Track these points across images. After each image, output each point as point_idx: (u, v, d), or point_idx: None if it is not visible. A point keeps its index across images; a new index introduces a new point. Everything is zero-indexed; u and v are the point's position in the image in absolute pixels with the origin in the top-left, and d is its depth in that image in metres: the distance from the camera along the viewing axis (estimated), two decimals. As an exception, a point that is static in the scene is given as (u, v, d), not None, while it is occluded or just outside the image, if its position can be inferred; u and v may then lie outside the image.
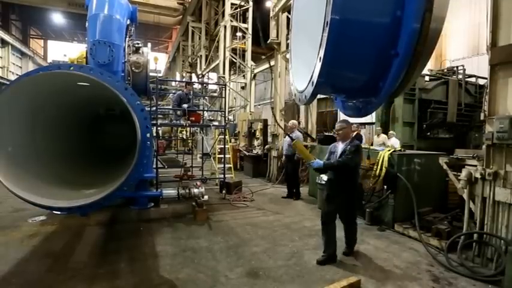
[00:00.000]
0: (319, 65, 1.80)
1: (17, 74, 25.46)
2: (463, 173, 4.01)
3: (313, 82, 1.95)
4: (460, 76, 9.51)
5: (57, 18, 31.86)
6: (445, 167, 4.53)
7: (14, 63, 29.63)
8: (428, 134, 9.07)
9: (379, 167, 5.26)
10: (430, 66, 11.49)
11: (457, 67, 9.75)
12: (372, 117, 9.22)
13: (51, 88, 4.09)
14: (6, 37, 27.73)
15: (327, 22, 1.66)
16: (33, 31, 36.21)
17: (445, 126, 9.30)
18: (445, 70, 10.21)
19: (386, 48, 1.76)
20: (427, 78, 9.30)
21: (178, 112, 7.62)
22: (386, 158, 5.24)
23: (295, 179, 7.56)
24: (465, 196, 4.07)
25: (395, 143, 7.94)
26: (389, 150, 5.43)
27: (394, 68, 1.77)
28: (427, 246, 4.28)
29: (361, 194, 4.33)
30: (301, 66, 2.49)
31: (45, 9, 27.43)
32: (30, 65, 31.04)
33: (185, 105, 7.47)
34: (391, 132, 8.46)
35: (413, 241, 4.64)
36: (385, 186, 5.25)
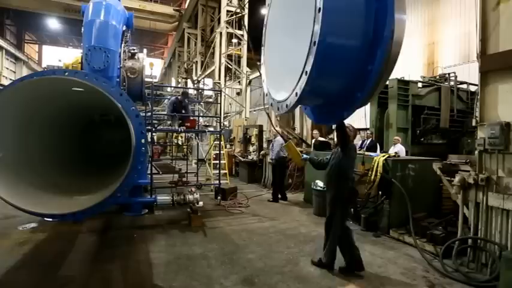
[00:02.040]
0: (304, 78, 2.06)
1: (11, 79, 25.22)
2: (457, 179, 4.05)
3: (297, 93, 2.18)
4: (452, 83, 9.67)
5: (53, 24, 31.80)
6: (438, 172, 4.57)
7: (7, 68, 29.35)
8: (422, 139, 9.17)
9: (373, 172, 5.29)
10: (422, 73, 11.68)
11: (448, 74, 9.91)
12: (366, 123, 9.29)
13: (45, 93, 4.06)
14: (0, 42, 27.52)
15: (315, 42, 1.95)
16: (28, 36, 36.04)
17: (438, 132, 9.42)
18: (438, 77, 10.38)
19: (365, 64, 2.10)
20: (420, 84, 9.43)
21: (169, 122, 7.63)
22: (381, 164, 5.27)
23: (281, 182, 7.94)
24: (459, 201, 4.10)
25: (401, 150, 7.53)
26: (383, 156, 5.46)
27: (370, 81, 2.12)
28: (422, 252, 4.29)
29: (350, 201, 4.07)
30: (277, 78, 2.81)
31: (41, 14, 27.38)
32: (25, 70, 30.78)
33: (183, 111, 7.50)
34: (396, 137, 8.10)
35: (408, 247, 4.65)
36: (380, 192, 5.27)
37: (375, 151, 7.43)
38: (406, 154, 7.79)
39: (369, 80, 2.12)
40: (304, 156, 4.35)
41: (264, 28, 3.22)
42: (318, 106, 2.90)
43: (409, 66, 12.48)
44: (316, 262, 3.90)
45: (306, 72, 2.04)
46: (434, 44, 12.39)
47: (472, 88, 9.69)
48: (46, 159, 4.63)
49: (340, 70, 2.21)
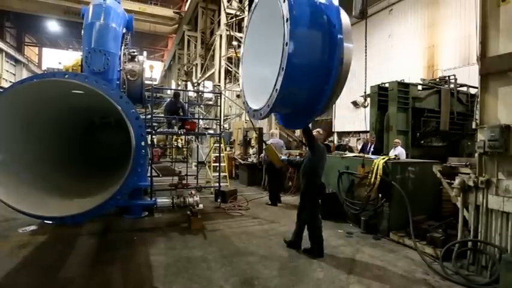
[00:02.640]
0: (275, 94, 2.69)
1: (11, 82, 25.26)
2: (456, 181, 4.05)
3: (269, 105, 2.83)
4: (452, 85, 9.69)
5: (53, 26, 31.89)
6: (438, 175, 4.58)
7: (7, 71, 29.37)
8: (422, 142, 9.17)
9: (373, 175, 5.29)
10: (422, 75, 11.71)
11: (448, 77, 9.93)
12: (366, 126, 9.29)
13: (45, 96, 4.07)
14: (0, 44, 27.57)
15: (283, 68, 2.55)
16: (28, 38, 36.12)
17: (438, 135, 9.42)
18: (437, 79, 10.40)
19: (322, 84, 2.79)
20: (419, 87, 9.45)
21: (173, 121, 7.68)
22: (380, 167, 5.27)
23: (271, 185, 7.98)
24: (459, 204, 4.10)
25: (401, 153, 7.50)
26: (383, 159, 5.47)
27: (325, 96, 2.84)
28: (422, 254, 4.29)
29: (318, 195, 4.55)
30: (253, 91, 3.45)
31: (41, 17, 27.46)
32: (25, 72, 30.82)
33: (181, 114, 7.54)
34: (396, 140, 8.07)
35: (408, 249, 4.64)
36: (380, 195, 5.27)
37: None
38: (407, 157, 7.78)
39: (324, 95, 2.84)
40: (283, 158, 5.02)
41: (242, 46, 3.84)
42: (286, 114, 3.59)
43: (409, 68, 12.52)
44: (287, 241, 4.63)
45: (276, 89, 2.66)
46: (434, 47, 12.42)
47: (472, 91, 9.71)
48: (46, 162, 4.63)
49: (303, 89, 2.88)
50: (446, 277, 3.69)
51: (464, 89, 10.04)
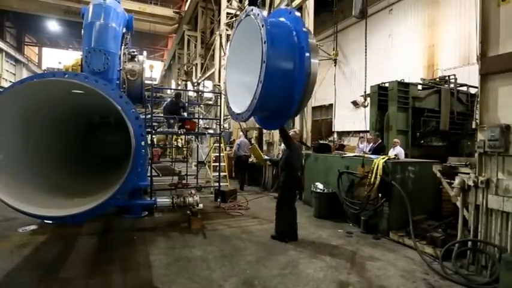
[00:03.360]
0: (255, 101, 3.27)
1: (11, 81, 25.23)
2: (456, 181, 4.05)
3: (249, 110, 3.43)
4: (452, 85, 9.68)
5: (53, 26, 31.85)
6: (438, 175, 4.58)
7: (7, 70, 29.33)
8: (422, 142, 9.17)
9: (373, 175, 5.29)
10: (422, 75, 11.71)
11: (448, 76, 9.93)
12: (366, 126, 9.29)
13: (45, 96, 4.07)
14: (0, 44, 27.53)
15: (261, 81, 3.13)
16: (28, 38, 36.08)
17: (438, 134, 9.42)
18: (437, 79, 10.40)
19: (293, 93, 3.43)
20: (419, 87, 9.45)
21: (172, 121, 7.69)
22: (380, 166, 5.27)
23: (242, 175, 9.35)
24: (459, 204, 4.10)
25: (400, 152, 7.48)
26: (383, 158, 5.47)
27: (296, 103, 3.47)
28: (422, 254, 4.29)
29: (296, 187, 5.14)
30: (236, 96, 3.98)
31: (41, 17, 27.41)
32: (24, 72, 30.78)
33: (185, 114, 7.56)
34: (395, 140, 8.05)
35: (408, 249, 4.64)
36: (380, 194, 5.27)
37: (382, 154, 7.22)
38: (406, 156, 7.77)
39: (295, 102, 3.48)
40: (265, 157, 5.92)
41: (226, 56, 4.58)
42: (264, 117, 4.22)
43: (408, 68, 12.52)
44: (274, 236, 4.97)
45: (256, 98, 3.24)
46: (434, 46, 12.41)
47: (472, 90, 9.71)
48: (46, 161, 4.63)
49: (277, 97, 3.49)
50: (446, 277, 3.69)
51: (464, 88, 10.04)
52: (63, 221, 4.02)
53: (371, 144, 8.48)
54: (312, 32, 3.85)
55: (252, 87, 3.31)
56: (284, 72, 3.39)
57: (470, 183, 3.85)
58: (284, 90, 3.44)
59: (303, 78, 3.33)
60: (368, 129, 9.63)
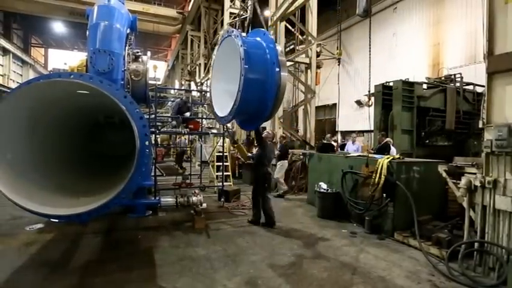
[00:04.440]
0: (234, 107, 4.04)
1: (18, 82, 25.54)
2: (463, 181, 4.00)
3: (231, 114, 4.22)
4: (458, 84, 9.58)
5: (58, 27, 32.11)
6: (444, 175, 4.53)
7: (14, 71, 29.70)
8: (427, 141, 9.08)
9: (378, 175, 5.25)
10: (427, 74, 11.61)
11: (454, 75, 9.83)
12: (370, 125, 9.23)
13: (51, 96, 4.10)
14: (8, 45, 27.85)
15: (239, 90, 3.89)
16: (34, 39, 36.45)
17: (444, 134, 9.33)
18: (443, 78, 10.29)
19: (266, 101, 4.19)
20: (425, 86, 9.36)
21: (174, 122, 7.70)
22: (385, 166, 5.23)
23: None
24: (465, 204, 4.05)
25: (393, 151, 7.59)
26: (388, 158, 5.43)
27: (269, 108, 4.26)
28: (427, 255, 4.25)
29: (265, 180, 5.79)
30: (219, 101, 4.77)
31: (47, 18, 27.65)
32: (31, 73, 31.12)
33: (187, 114, 7.57)
34: (388, 139, 8.13)
35: (413, 250, 4.60)
36: (384, 195, 5.23)
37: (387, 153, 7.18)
38: (411, 156, 7.71)
39: (268, 108, 4.26)
40: (249, 155, 6.10)
41: (211, 68, 5.23)
42: (242, 120, 5.09)
43: (413, 67, 12.43)
44: (249, 220, 5.84)
45: (235, 104, 3.99)
46: (439, 45, 12.31)
47: (479, 89, 9.61)
48: (52, 161, 4.67)
49: (253, 104, 4.22)
50: (452, 278, 3.65)
51: (470, 87, 9.93)
52: (69, 219, 4.05)
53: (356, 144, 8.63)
54: (283, 51, 4.67)
55: (233, 94, 3.99)
56: (258, 83, 4.09)
57: (477, 183, 3.80)
58: (259, 98, 4.17)
59: (274, 88, 4.07)
60: (372, 128, 9.57)
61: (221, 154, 8.48)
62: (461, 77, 9.64)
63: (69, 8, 20.60)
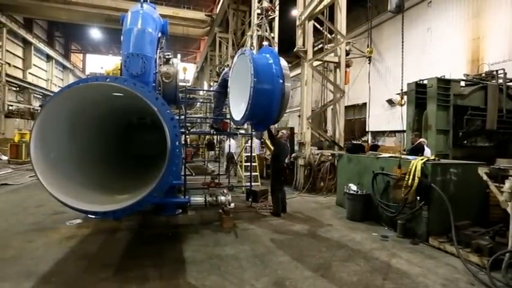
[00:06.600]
0: (246, 113, 5.00)
1: (59, 86, 27.38)
2: (507, 185, 3.72)
3: (244, 118, 5.18)
4: (501, 80, 8.91)
5: (95, 34, 34.05)
6: (485, 177, 4.23)
7: (56, 76, 31.83)
8: (465, 142, 8.52)
9: (411, 176, 5.03)
10: (465, 70, 10.91)
11: (496, 71, 9.14)
12: (402, 125, 8.85)
13: (89, 99, 4.36)
14: (51, 52, 29.95)
15: (250, 99, 4.83)
16: (74, 46, 38.98)
17: (484, 134, 8.71)
18: (483, 74, 9.62)
19: (272, 107, 5.12)
20: (462, 83, 8.81)
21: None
22: (419, 168, 5.00)
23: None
24: (509, 210, 3.76)
25: (427, 152, 7.16)
26: (422, 159, 5.18)
27: (275, 113, 5.20)
28: (466, 262, 4.00)
29: (282, 174, 6.72)
30: (235, 106, 5.74)
31: (85, 26, 29.39)
32: (71, 77, 33.23)
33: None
34: (422, 139, 7.69)
35: (450, 256, 4.35)
36: (418, 197, 4.99)
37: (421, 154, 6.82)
38: (446, 157, 7.26)
39: (274, 113, 5.17)
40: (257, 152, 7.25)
41: (229, 79, 6.17)
42: (254, 123, 6.04)
43: (449, 64, 11.73)
44: (271, 212, 6.59)
45: (247, 110, 4.95)
46: (479, 39, 11.50)
47: (525, 86, 8.87)
48: (90, 160, 4.96)
49: (261, 110, 5.09)
50: (494, 288, 3.41)
51: (515, 84, 9.19)
52: (105, 216, 4.27)
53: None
54: (288, 65, 5.37)
55: (246, 102, 4.89)
56: (266, 93, 4.95)
57: (523, 187, 3.52)
58: (266, 105, 5.04)
59: (279, 97, 4.98)
60: (405, 128, 9.16)
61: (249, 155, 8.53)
62: (505, 73, 8.95)
63: (106, 15, 21.76)
